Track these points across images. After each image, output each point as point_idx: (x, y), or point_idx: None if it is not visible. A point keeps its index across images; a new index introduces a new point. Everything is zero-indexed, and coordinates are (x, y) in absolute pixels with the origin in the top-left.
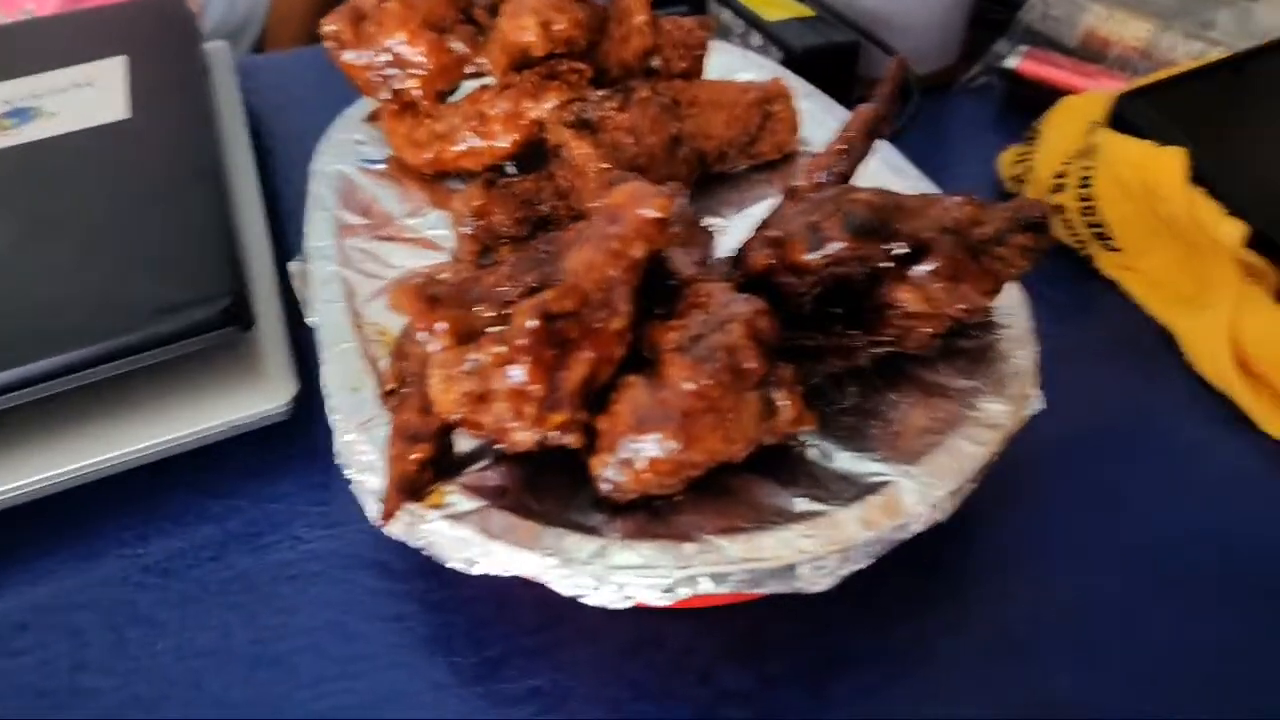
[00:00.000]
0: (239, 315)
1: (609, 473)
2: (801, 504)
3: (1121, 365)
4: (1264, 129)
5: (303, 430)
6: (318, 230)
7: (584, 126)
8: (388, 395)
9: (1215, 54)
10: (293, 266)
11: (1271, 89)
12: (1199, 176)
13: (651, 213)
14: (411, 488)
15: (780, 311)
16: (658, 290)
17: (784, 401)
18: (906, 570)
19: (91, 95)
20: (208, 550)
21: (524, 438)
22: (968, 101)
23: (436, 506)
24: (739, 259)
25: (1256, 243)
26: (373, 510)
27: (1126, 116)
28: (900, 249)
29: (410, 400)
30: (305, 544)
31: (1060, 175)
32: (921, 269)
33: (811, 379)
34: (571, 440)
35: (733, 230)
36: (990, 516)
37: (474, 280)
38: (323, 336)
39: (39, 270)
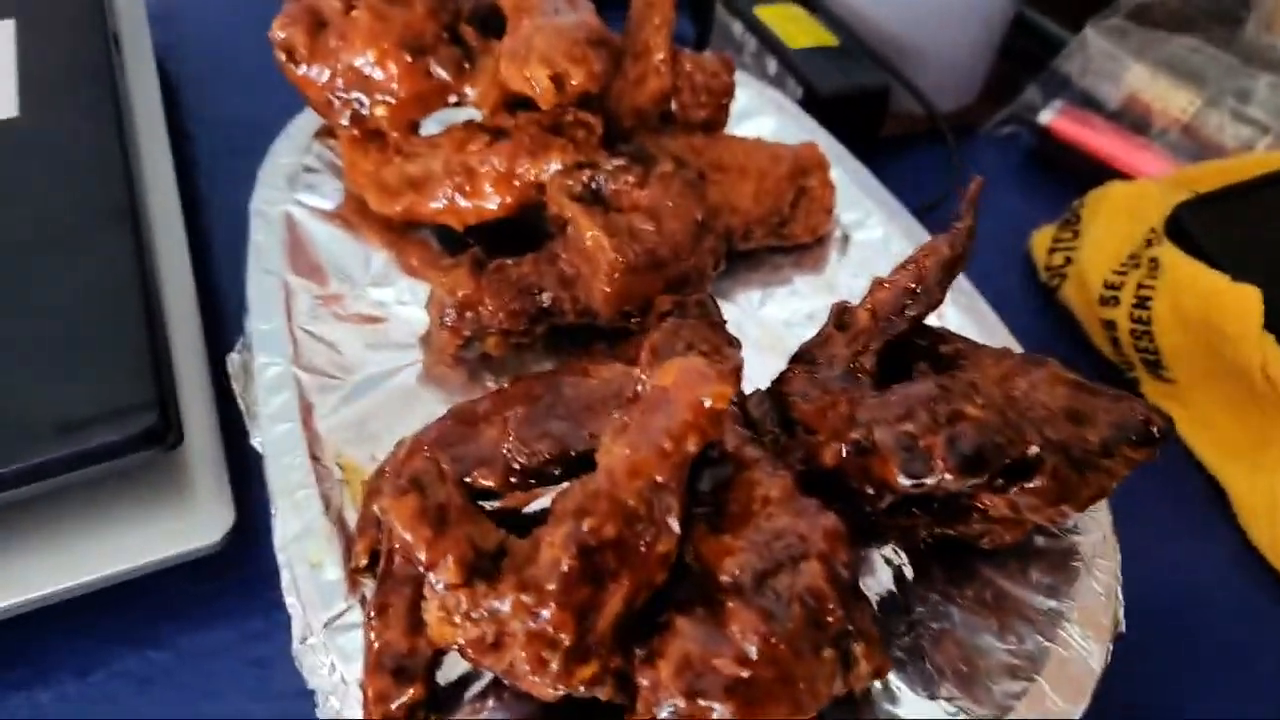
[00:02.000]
0: (165, 432)
1: None
2: None
3: (1166, 521)
4: None
5: (240, 560)
6: (262, 304)
7: (595, 200)
8: (357, 573)
9: (1265, 144)
10: (232, 362)
11: None
12: (1272, 321)
13: (710, 403)
14: None
15: (847, 508)
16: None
17: (862, 650)
18: None
19: None
20: None
21: (545, 691)
22: (993, 151)
23: None
24: (782, 413)
25: None
26: None
27: (1188, 230)
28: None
29: (392, 610)
30: None
31: (1112, 286)
32: (1023, 487)
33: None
34: (602, 694)
35: (753, 325)
36: None
37: (469, 432)
38: (272, 476)
39: None
